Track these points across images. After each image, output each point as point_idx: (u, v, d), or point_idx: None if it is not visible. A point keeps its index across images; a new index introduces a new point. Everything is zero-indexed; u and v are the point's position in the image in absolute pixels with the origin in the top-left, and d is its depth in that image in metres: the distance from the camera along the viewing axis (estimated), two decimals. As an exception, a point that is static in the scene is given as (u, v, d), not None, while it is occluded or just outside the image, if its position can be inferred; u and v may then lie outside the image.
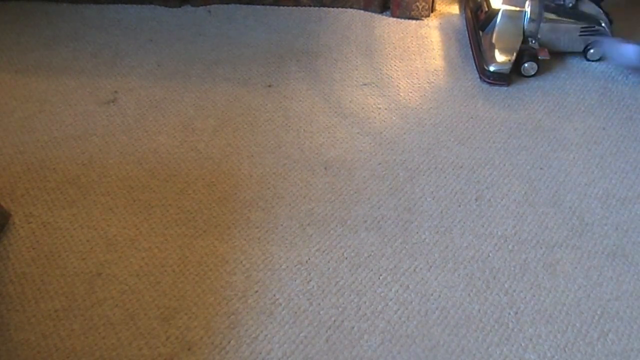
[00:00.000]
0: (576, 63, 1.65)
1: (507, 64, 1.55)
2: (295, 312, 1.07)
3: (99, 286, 1.11)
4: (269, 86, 1.56)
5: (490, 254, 1.17)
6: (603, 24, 1.60)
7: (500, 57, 1.56)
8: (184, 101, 1.51)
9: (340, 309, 1.08)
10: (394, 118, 1.47)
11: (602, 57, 1.64)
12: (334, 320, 1.06)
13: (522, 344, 1.03)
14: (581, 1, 1.61)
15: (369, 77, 1.59)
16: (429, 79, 1.59)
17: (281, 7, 1.85)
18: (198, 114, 1.48)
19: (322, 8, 1.85)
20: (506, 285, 1.12)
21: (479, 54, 1.63)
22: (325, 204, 1.26)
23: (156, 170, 1.33)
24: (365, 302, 1.09)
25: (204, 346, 1.03)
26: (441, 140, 1.41)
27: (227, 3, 1.86)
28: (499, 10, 1.59)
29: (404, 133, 1.43)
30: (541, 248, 1.18)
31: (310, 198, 1.28)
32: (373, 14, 1.83)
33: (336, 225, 1.22)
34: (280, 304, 1.09)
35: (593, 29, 1.60)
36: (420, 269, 1.15)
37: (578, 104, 1.52)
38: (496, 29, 1.59)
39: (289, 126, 1.45)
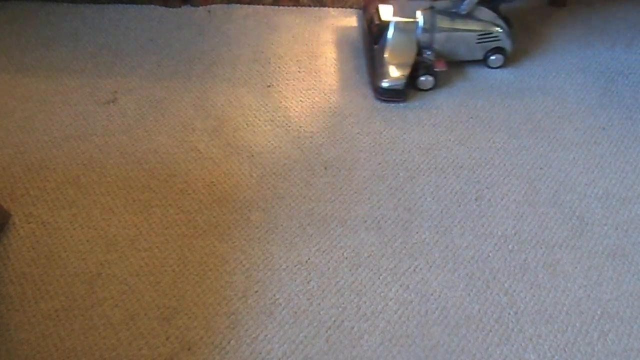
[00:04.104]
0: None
1: (401, 79, 1.47)
2: (295, 312, 1.07)
3: (99, 286, 1.11)
4: (269, 86, 1.56)
5: (490, 254, 1.17)
6: (501, 30, 1.54)
7: (394, 72, 1.48)
8: (184, 101, 1.51)
9: (340, 309, 1.08)
10: (394, 118, 1.47)
11: (502, 64, 1.59)
12: (334, 320, 1.06)
13: (522, 344, 1.03)
14: (476, 8, 1.53)
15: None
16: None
17: (281, 7, 1.85)
18: (198, 114, 1.48)
19: (322, 8, 1.85)
20: (506, 285, 1.12)
21: (372, 70, 1.55)
22: (325, 204, 1.26)
23: (156, 170, 1.33)
24: (365, 302, 1.09)
25: (204, 346, 1.03)
26: (441, 140, 1.41)
27: (227, 3, 1.86)
28: (389, 22, 1.52)
29: (404, 133, 1.43)
30: (541, 248, 1.18)
31: (310, 198, 1.28)
32: (373, 14, 1.83)
33: (336, 225, 1.22)
34: (280, 304, 1.09)
35: (490, 35, 1.54)
36: (420, 269, 1.15)
37: (578, 104, 1.52)
38: (389, 42, 1.52)
39: (289, 126, 1.45)
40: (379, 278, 1.13)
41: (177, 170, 1.33)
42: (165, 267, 1.14)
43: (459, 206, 1.26)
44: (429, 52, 1.53)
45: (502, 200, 1.28)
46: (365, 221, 1.23)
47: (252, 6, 1.86)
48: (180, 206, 1.25)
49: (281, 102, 1.51)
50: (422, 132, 1.43)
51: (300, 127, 1.44)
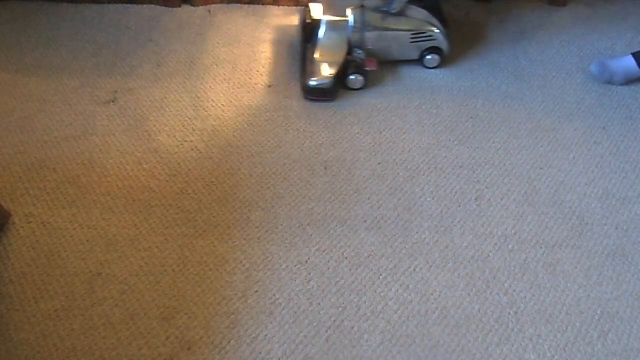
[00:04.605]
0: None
1: (330, 78, 1.45)
2: (295, 312, 1.07)
3: (99, 286, 1.11)
4: (269, 86, 1.56)
5: (490, 254, 1.17)
6: (436, 30, 1.52)
7: (322, 71, 1.46)
8: (184, 101, 1.51)
9: (340, 309, 1.08)
10: (393, 118, 1.47)
11: (439, 64, 1.57)
12: (334, 320, 1.06)
13: (522, 344, 1.03)
14: (408, 7, 1.51)
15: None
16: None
17: (281, 7, 1.85)
18: (198, 114, 1.48)
19: (322, 8, 1.85)
20: (506, 285, 1.12)
21: (303, 68, 1.52)
22: (325, 204, 1.26)
23: (156, 170, 1.33)
24: (365, 302, 1.09)
25: (204, 346, 1.03)
26: (441, 141, 1.41)
27: (227, 3, 1.86)
28: (320, 20, 1.49)
29: (404, 133, 1.43)
30: (541, 248, 1.18)
31: (310, 198, 1.28)
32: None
33: (336, 225, 1.22)
34: (280, 304, 1.09)
35: (425, 35, 1.52)
36: (420, 269, 1.15)
37: (578, 104, 1.52)
38: (319, 41, 1.50)
39: (289, 126, 1.45)
40: (379, 278, 1.13)
41: (177, 170, 1.33)
42: (165, 267, 1.14)
43: (459, 206, 1.26)
44: (360, 52, 1.50)
45: (502, 200, 1.28)
46: (365, 221, 1.23)
47: (252, 6, 1.86)
48: (180, 206, 1.25)
49: (281, 102, 1.51)
50: (422, 132, 1.43)
51: (300, 127, 1.44)
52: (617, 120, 1.47)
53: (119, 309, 1.07)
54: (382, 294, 1.10)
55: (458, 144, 1.40)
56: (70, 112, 1.48)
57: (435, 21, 1.53)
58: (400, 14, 1.50)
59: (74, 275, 1.12)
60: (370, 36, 1.50)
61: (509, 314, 1.08)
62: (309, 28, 1.55)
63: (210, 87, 1.56)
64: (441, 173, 1.33)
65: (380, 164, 1.35)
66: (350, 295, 1.10)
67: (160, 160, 1.36)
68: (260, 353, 1.02)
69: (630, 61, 1.52)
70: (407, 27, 1.51)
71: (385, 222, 1.23)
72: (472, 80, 1.58)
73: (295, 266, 1.15)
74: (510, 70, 1.62)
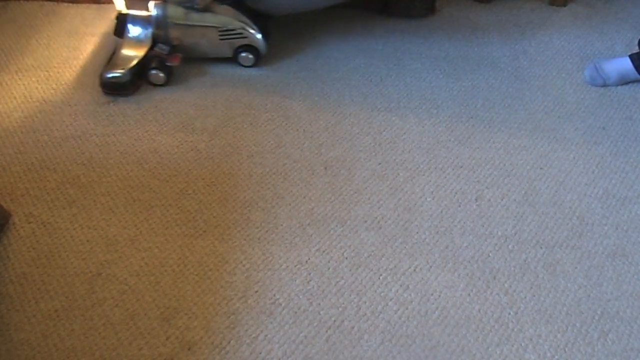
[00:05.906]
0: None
1: (124, 72, 1.45)
2: (295, 312, 1.07)
3: (99, 286, 1.11)
4: (269, 86, 1.56)
5: (490, 254, 1.17)
6: (247, 27, 1.50)
7: (120, 65, 1.47)
8: (184, 101, 1.51)
9: (340, 309, 1.08)
10: (394, 118, 1.47)
11: (254, 63, 1.56)
12: (334, 320, 1.06)
13: (522, 344, 1.03)
14: (215, 4, 1.49)
15: (372, 77, 1.59)
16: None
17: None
18: (198, 114, 1.48)
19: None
20: (506, 285, 1.12)
21: (107, 62, 1.53)
22: (325, 204, 1.26)
23: (156, 170, 1.33)
24: (365, 302, 1.09)
25: (204, 346, 1.03)
26: (441, 141, 1.41)
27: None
28: (126, 14, 1.50)
29: (404, 133, 1.43)
30: (541, 248, 1.18)
31: (310, 198, 1.28)
32: (374, 14, 1.83)
33: (336, 225, 1.22)
34: (280, 304, 1.09)
35: (234, 32, 1.50)
36: (420, 269, 1.15)
37: (578, 104, 1.52)
38: (125, 34, 1.51)
39: (289, 126, 1.45)
40: (379, 278, 1.13)
41: (177, 170, 1.33)
42: (165, 267, 1.14)
43: (459, 206, 1.26)
44: (164, 47, 1.49)
45: (502, 200, 1.28)
46: (365, 221, 1.23)
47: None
48: (180, 206, 1.25)
49: (281, 102, 1.51)
50: (422, 132, 1.43)
51: (300, 127, 1.44)
52: (617, 120, 1.47)
53: (119, 309, 1.07)
54: (382, 294, 1.10)
55: (458, 144, 1.40)
56: (70, 112, 1.48)
57: (245, 18, 1.50)
58: (206, 10, 1.48)
59: (74, 275, 1.12)
60: (175, 31, 1.49)
61: (509, 314, 1.08)
62: (119, 21, 1.54)
63: (210, 87, 1.55)
64: (441, 173, 1.33)
65: (380, 164, 1.35)
66: (350, 295, 1.10)
67: (160, 160, 1.36)
68: (260, 353, 1.02)
69: (627, 62, 1.52)
70: (213, 24, 1.49)
71: (385, 222, 1.23)
72: (472, 80, 1.58)
73: (295, 266, 1.15)
74: (510, 70, 1.62)
